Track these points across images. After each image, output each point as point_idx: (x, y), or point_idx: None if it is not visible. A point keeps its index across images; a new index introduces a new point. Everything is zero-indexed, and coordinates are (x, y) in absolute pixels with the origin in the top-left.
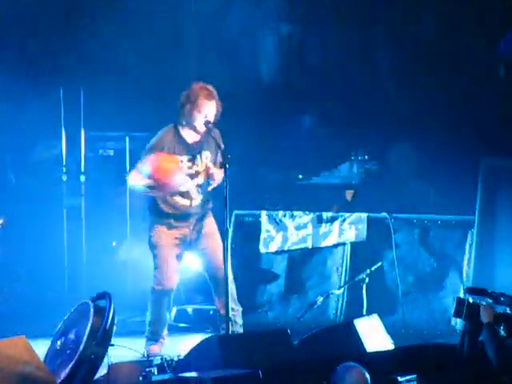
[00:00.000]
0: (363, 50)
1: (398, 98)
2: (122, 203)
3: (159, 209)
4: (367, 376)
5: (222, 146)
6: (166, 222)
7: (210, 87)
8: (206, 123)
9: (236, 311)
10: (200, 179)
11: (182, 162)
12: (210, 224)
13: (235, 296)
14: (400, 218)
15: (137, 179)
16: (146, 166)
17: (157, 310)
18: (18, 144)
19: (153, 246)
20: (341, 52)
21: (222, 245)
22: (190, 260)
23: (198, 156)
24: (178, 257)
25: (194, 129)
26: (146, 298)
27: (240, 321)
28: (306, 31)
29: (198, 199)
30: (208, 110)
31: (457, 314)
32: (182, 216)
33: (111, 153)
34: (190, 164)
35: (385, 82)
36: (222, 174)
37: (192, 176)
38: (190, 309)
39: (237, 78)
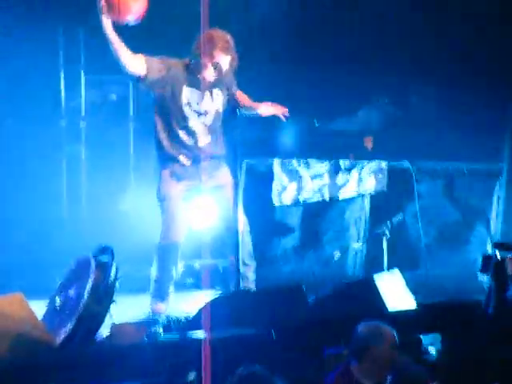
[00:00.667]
0: None
1: (422, 35)
2: (124, 149)
3: (164, 150)
4: (394, 333)
5: (234, 83)
6: (174, 170)
7: (229, 37)
8: (215, 66)
9: (249, 266)
10: (209, 119)
11: (186, 97)
12: (225, 174)
13: (250, 250)
14: (423, 166)
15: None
16: None
17: (162, 265)
18: (14, 88)
19: (160, 198)
20: None
21: (232, 197)
22: (200, 213)
23: (208, 92)
24: (186, 209)
25: (203, 77)
26: (150, 251)
27: (252, 276)
28: None
29: (205, 139)
30: (221, 62)
31: (484, 270)
32: (190, 158)
33: (114, 97)
34: (197, 99)
35: (407, 17)
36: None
37: (199, 114)
38: (197, 264)
39: (248, 22)
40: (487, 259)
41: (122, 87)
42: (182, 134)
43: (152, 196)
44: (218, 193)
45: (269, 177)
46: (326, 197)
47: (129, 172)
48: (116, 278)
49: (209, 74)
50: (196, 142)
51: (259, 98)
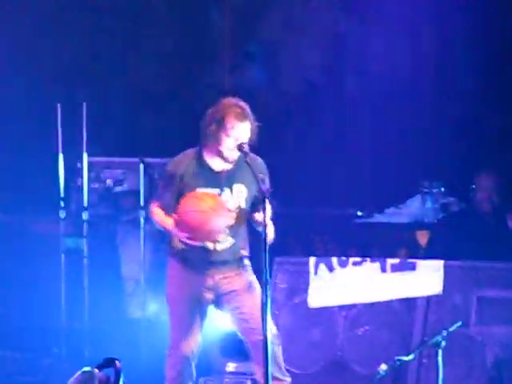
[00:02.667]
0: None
1: (486, 113)
2: (134, 245)
3: (178, 251)
4: None
5: (262, 177)
6: (186, 270)
7: (243, 104)
8: (239, 147)
9: (281, 381)
10: (229, 219)
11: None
12: (245, 276)
13: (281, 363)
14: (488, 267)
15: (158, 221)
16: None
17: (175, 379)
18: (5, 172)
19: (168, 299)
20: (410, 55)
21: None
22: (219, 318)
23: (228, 189)
24: (201, 313)
25: (221, 155)
26: (163, 368)
27: None
28: (366, 29)
29: (225, 243)
30: (239, 132)
31: None
32: (207, 263)
33: (122, 184)
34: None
35: (468, 94)
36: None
37: None
38: (227, 379)
39: (274, 88)
40: None
41: (132, 172)
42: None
43: (165, 302)
44: (238, 298)
45: (303, 277)
46: (371, 300)
47: (139, 271)
48: None
49: (227, 150)
50: (214, 247)
51: (288, 184)
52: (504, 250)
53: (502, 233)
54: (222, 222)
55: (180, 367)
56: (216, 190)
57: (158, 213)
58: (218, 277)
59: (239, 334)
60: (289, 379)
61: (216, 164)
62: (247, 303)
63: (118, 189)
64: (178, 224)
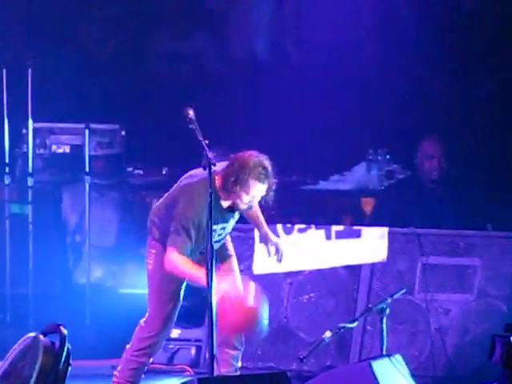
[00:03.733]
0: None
1: (430, 79)
2: (79, 210)
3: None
4: None
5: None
6: None
7: (267, 164)
8: (249, 207)
9: (236, 350)
10: (226, 233)
11: (214, 231)
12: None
13: None
14: (432, 234)
15: (192, 274)
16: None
17: (142, 349)
18: None
19: (152, 279)
20: (353, 25)
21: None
22: None
23: (232, 219)
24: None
25: (236, 206)
26: (108, 333)
27: (238, 363)
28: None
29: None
30: (257, 191)
31: (492, 357)
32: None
33: (67, 149)
34: (221, 231)
35: (411, 59)
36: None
37: (220, 240)
38: (171, 345)
39: (227, 55)
40: (496, 343)
41: (77, 137)
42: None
43: (110, 267)
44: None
45: (248, 244)
46: (316, 267)
47: (84, 237)
48: (68, 363)
49: (241, 206)
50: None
51: (235, 149)
52: (447, 218)
53: (448, 200)
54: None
55: (153, 341)
56: (223, 225)
57: (185, 263)
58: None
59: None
60: (243, 349)
61: (225, 203)
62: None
63: (63, 154)
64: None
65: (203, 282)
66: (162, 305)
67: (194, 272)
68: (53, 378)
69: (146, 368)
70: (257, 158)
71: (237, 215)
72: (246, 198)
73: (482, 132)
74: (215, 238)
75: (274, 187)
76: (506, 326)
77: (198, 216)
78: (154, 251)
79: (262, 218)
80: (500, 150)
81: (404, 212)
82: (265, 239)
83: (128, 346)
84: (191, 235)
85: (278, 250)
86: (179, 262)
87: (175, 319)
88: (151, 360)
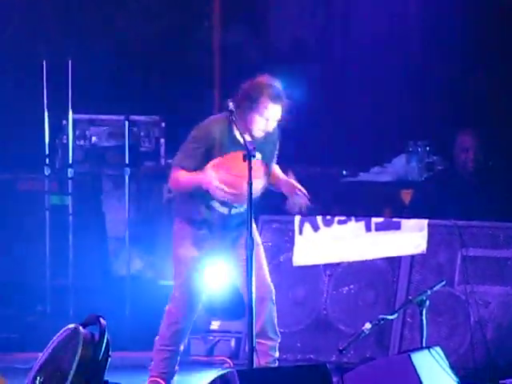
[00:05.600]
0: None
1: (472, 72)
2: (119, 202)
3: (190, 214)
4: None
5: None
6: (197, 231)
7: (278, 85)
8: (266, 132)
9: (273, 341)
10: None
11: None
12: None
13: (275, 322)
14: (472, 226)
15: (189, 179)
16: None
17: (170, 337)
18: None
19: (176, 259)
20: (397, 15)
21: (264, 257)
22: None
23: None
24: (204, 272)
25: (250, 132)
26: (148, 325)
27: (276, 354)
28: None
29: (239, 208)
30: (271, 113)
31: None
32: (218, 226)
33: (107, 141)
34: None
35: (453, 50)
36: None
37: None
38: (211, 337)
39: (265, 47)
40: None
41: (117, 128)
42: (215, 204)
43: (150, 259)
44: (239, 251)
45: (288, 236)
46: (355, 259)
47: (124, 230)
48: (108, 355)
49: (257, 129)
50: (230, 211)
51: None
52: (486, 210)
53: (484, 192)
54: (258, 185)
55: (179, 326)
56: None
57: (185, 174)
58: (229, 238)
59: (241, 289)
60: (279, 340)
61: (242, 137)
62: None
63: (103, 146)
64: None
65: (207, 179)
66: (183, 279)
67: (195, 176)
68: (92, 369)
69: (178, 357)
70: (269, 79)
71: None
72: (260, 121)
73: None
74: None
75: (286, 109)
76: None
77: (208, 132)
78: (174, 226)
79: (282, 175)
80: None
81: (443, 204)
82: (289, 188)
83: (157, 338)
84: (195, 149)
85: (302, 194)
86: (179, 175)
87: (199, 303)
88: (182, 348)
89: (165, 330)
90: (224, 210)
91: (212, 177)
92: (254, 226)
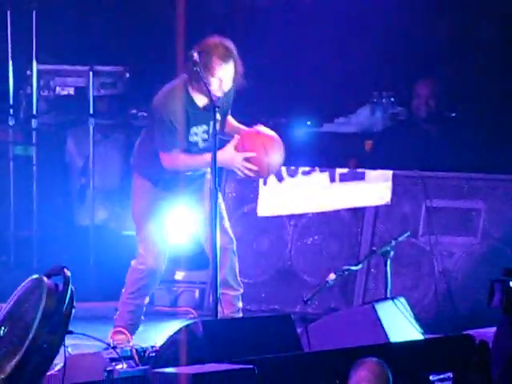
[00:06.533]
0: None
1: (435, 22)
2: (83, 151)
3: (152, 173)
4: (389, 373)
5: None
6: (159, 188)
7: (228, 43)
8: (223, 91)
9: (235, 291)
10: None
11: (196, 134)
12: (207, 181)
13: (237, 272)
14: (436, 177)
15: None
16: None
17: (137, 290)
18: None
19: (136, 215)
20: None
21: (224, 208)
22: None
23: (212, 123)
24: (165, 227)
25: (207, 94)
26: (112, 275)
27: (239, 304)
28: None
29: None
30: (224, 73)
31: (492, 302)
32: (178, 181)
33: (71, 91)
34: (205, 135)
35: (417, 4)
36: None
37: (207, 149)
38: (175, 288)
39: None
40: (495, 288)
41: (81, 79)
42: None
43: (112, 209)
44: (204, 203)
45: (252, 186)
46: (320, 210)
47: (88, 179)
48: (72, 304)
49: (214, 90)
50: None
51: (237, 91)
52: (451, 160)
53: (448, 143)
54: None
55: (146, 281)
56: (204, 127)
57: (183, 156)
58: (190, 190)
59: (201, 239)
60: (241, 290)
61: (200, 100)
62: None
63: (67, 96)
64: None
65: (207, 161)
66: (145, 234)
67: (194, 158)
68: (56, 319)
69: (144, 309)
70: (218, 39)
71: (218, 117)
72: (214, 82)
73: (485, 77)
74: (199, 141)
75: (242, 72)
76: (505, 271)
77: (167, 108)
78: (133, 182)
79: (233, 123)
80: (505, 95)
81: (405, 154)
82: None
83: (123, 290)
84: (173, 129)
85: None
86: (175, 157)
87: (164, 257)
88: (147, 300)
89: (131, 284)
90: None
91: (235, 154)
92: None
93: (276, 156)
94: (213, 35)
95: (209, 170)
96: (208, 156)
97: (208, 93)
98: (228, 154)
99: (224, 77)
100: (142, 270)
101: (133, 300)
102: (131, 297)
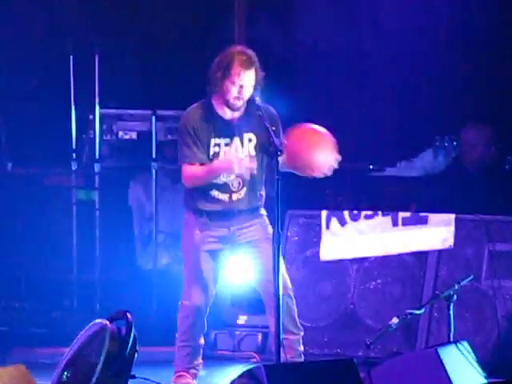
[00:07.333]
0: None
1: (498, 68)
2: (145, 196)
3: (195, 205)
4: None
5: (273, 128)
6: (201, 222)
7: (249, 51)
8: (251, 100)
9: (295, 335)
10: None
11: (218, 145)
12: (262, 225)
13: (295, 316)
14: (499, 220)
15: (206, 171)
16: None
17: (186, 331)
18: (17, 123)
19: (183, 251)
20: (423, 7)
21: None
22: (235, 270)
23: (237, 138)
24: (215, 266)
25: (227, 103)
26: (175, 319)
27: (300, 347)
28: None
29: (240, 192)
30: (244, 80)
31: None
32: (222, 214)
33: (133, 135)
34: (227, 149)
35: (479, 45)
36: None
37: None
38: (237, 332)
39: (291, 42)
40: None
41: (143, 123)
42: (214, 192)
43: (177, 254)
44: (256, 248)
45: (315, 230)
46: (382, 253)
47: (151, 224)
48: (135, 348)
49: (233, 98)
50: (230, 197)
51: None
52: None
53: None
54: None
55: (192, 319)
56: (226, 140)
57: (201, 168)
58: (234, 227)
59: (255, 286)
60: (302, 333)
61: (225, 113)
62: (264, 254)
63: (130, 141)
64: None
65: (226, 160)
66: (190, 270)
67: (209, 168)
68: (119, 364)
69: (200, 351)
70: (239, 47)
71: (247, 136)
72: (233, 89)
73: None
74: (221, 153)
75: (262, 79)
76: None
77: (189, 121)
78: (184, 218)
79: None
80: None
81: (471, 198)
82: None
83: (177, 334)
84: (194, 143)
85: None
86: (193, 170)
87: (210, 295)
88: (202, 341)
89: (180, 325)
90: (224, 198)
91: (231, 155)
92: (263, 216)
93: (323, 153)
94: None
95: (263, 211)
96: (214, 163)
97: (227, 102)
98: (226, 160)
99: (244, 84)
100: (187, 307)
101: (185, 342)
102: (183, 339)
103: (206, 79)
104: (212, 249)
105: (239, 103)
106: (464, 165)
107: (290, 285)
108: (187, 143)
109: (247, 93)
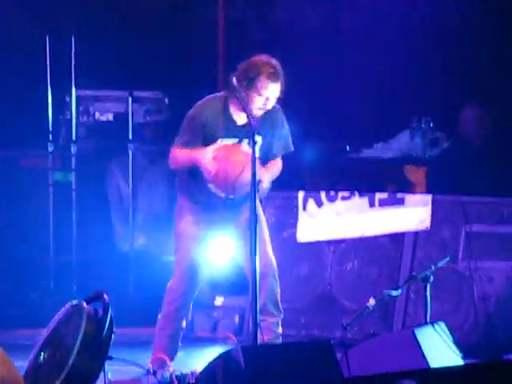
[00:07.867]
0: None
1: (475, 47)
2: (122, 177)
3: (190, 193)
4: None
5: (285, 130)
6: (196, 208)
7: (275, 62)
8: (265, 110)
9: (275, 317)
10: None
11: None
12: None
13: (278, 298)
14: (476, 201)
15: (186, 155)
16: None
17: (170, 314)
18: None
19: (176, 235)
20: None
21: (267, 234)
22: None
23: (246, 140)
24: (205, 251)
25: (249, 113)
26: (152, 300)
27: (278, 330)
28: None
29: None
30: (270, 92)
31: None
32: (217, 205)
33: (110, 117)
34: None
35: (457, 29)
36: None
37: None
38: (215, 313)
39: (267, 22)
40: None
41: (120, 105)
42: (210, 183)
43: (154, 235)
44: (246, 228)
45: (292, 211)
46: (359, 235)
47: (128, 205)
48: (112, 331)
49: (256, 108)
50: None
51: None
52: (491, 185)
53: (489, 168)
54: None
55: (179, 303)
56: (235, 140)
57: (183, 150)
58: (227, 214)
59: (244, 266)
60: (281, 316)
61: (240, 119)
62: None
63: (106, 122)
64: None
65: (201, 155)
66: (182, 254)
67: (192, 152)
68: (96, 345)
69: (181, 334)
70: (266, 58)
71: (259, 139)
72: (259, 100)
73: None
74: None
75: (284, 88)
76: None
77: (201, 113)
78: (177, 202)
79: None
80: None
81: (448, 180)
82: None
83: (159, 315)
84: (194, 134)
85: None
86: (177, 153)
87: (199, 279)
88: (184, 324)
89: (166, 307)
90: (221, 194)
91: (207, 153)
92: (258, 202)
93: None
94: (262, 54)
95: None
96: (193, 151)
97: (247, 114)
98: (203, 152)
99: (270, 96)
100: (175, 291)
101: (169, 324)
102: (165, 321)
103: (188, 63)
104: (204, 232)
105: (261, 113)
106: (467, 144)
107: (275, 267)
108: (186, 131)
109: (271, 104)
